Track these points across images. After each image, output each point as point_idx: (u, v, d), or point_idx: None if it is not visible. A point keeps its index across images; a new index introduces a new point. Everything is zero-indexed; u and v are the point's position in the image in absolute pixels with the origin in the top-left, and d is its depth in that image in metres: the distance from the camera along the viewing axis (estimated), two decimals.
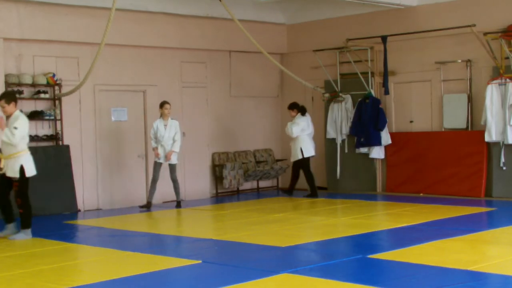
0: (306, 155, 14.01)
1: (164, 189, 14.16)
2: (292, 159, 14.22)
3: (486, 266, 7.21)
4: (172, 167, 13.00)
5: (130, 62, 13.76)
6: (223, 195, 15.07)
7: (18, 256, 8.65)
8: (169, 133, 12.85)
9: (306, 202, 13.43)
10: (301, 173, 14.30)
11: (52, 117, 12.65)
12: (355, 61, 14.61)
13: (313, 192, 14.09)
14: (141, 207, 13.03)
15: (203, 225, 11.38)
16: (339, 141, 15.00)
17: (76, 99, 12.94)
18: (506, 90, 12.69)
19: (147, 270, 7.56)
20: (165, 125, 12.87)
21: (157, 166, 12.95)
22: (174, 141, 12.88)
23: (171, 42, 14.26)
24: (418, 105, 14.23)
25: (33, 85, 12.47)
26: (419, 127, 14.24)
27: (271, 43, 15.67)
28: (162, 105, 12.94)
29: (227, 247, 8.92)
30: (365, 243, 8.99)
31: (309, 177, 14.18)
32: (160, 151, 12.88)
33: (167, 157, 12.87)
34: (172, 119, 12.96)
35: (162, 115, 12.94)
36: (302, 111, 14.13)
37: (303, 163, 14.09)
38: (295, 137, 13.98)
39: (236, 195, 15.20)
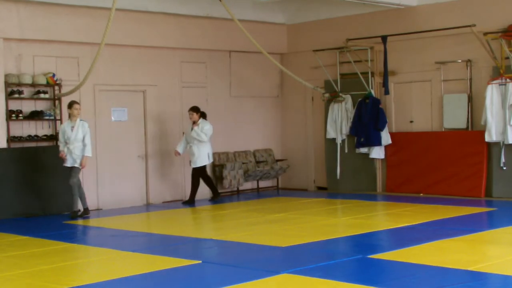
0: (210, 160, 13.85)
1: (164, 189, 14.18)
2: (198, 164, 13.61)
3: (486, 266, 7.21)
4: (74, 171, 11.99)
5: (130, 62, 13.76)
6: (223, 195, 15.05)
7: (18, 256, 8.65)
8: (75, 135, 11.88)
9: (306, 202, 13.42)
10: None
11: (52, 117, 12.64)
12: (355, 61, 14.61)
13: (216, 193, 13.96)
14: (78, 216, 12.00)
15: (203, 225, 11.38)
16: (339, 141, 15.00)
17: (76, 99, 12.91)
18: (506, 90, 12.69)
19: (147, 270, 7.57)
20: (73, 127, 11.91)
21: (68, 171, 11.98)
22: (84, 145, 11.93)
23: (171, 42, 14.26)
24: (418, 105, 14.23)
25: (33, 85, 12.46)
26: (419, 127, 14.24)
27: (271, 43, 15.67)
28: (71, 105, 11.97)
29: (227, 247, 8.92)
30: (365, 243, 8.99)
31: (209, 180, 13.92)
32: (67, 154, 11.91)
33: (82, 165, 11.95)
34: (81, 120, 12.02)
35: (70, 116, 12.01)
36: (204, 115, 13.81)
37: (202, 168, 13.75)
38: (203, 142, 13.56)
39: (236, 195, 15.20)
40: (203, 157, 13.65)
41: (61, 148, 12.01)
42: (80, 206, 12.10)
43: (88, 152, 11.98)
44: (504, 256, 7.82)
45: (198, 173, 13.77)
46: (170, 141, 14.30)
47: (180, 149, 13.69)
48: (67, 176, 11.98)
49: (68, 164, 11.97)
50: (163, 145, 14.21)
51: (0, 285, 7.04)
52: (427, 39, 13.86)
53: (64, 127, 12.02)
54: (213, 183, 14.01)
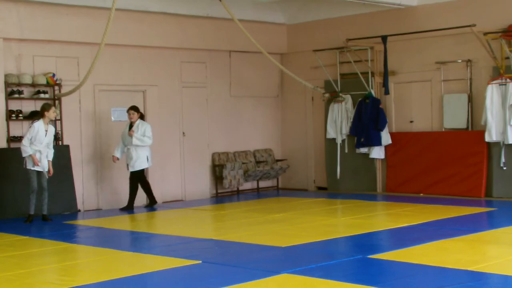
0: (150, 164, 13.18)
1: (164, 189, 14.17)
2: (137, 168, 12.93)
3: (486, 266, 7.21)
4: (45, 175, 11.66)
5: (130, 62, 13.76)
6: (223, 195, 15.06)
7: (18, 256, 8.64)
8: (48, 139, 11.54)
9: (306, 202, 13.42)
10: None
11: None
12: (355, 61, 14.61)
13: (153, 200, 13.32)
14: (24, 221, 11.50)
15: (203, 225, 11.37)
16: (339, 141, 15.00)
17: (76, 99, 12.94)
18: (506, 90, 12.68)
19: (147, 270, 7.56)
20: (46, 130, 11.52)
21: (33, 174, 11.52)
22: (50, 149, 11.60)
23: (171, 42, 14.26)
24: (418, 105, 14.23)
25: (33, 85, 12.47)
26: (419, 127, 14.24)
27: (271, 43, 15.67)
28: (48, 108, 11.55)
29: (227, 247, 8.92)
30: (365, 243, 8.98)
31: (148, 186, 13.22)
32: (38, 157, 11.48)
33: (50, 171, 11.60)
34: (49, 124, 11.64)
35: (44, 118, 11.51)
36: (142, 116, 13.25)
37: (141, 172, 13.09)
38: (144, 145, 12.91)
39: (236, 195, 15.20)
40: (142, 160, 12.95)
41: (30, 151, 11.33)
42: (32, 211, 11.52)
43: (50, 156, 11.63)
44: (504, 256, 7.82)
45: (137, 177, 13.05)
46: (171, 141, 14.30)
47: (118, 153, 12.98)
48: (27, 180, 11.47)
49: (41, 168, 11.52)
50: (163, 145, 14.21)
51: (0, 285, 7.04)
52: (427, 39, 13.86)
53: (38, 128, 11.41)
54: (151, 189, 13.26)
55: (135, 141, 12.81)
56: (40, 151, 11.45)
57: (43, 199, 11.63)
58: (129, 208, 13.02)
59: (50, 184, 11.92)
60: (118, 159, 13.07)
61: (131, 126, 12.98)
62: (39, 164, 11.46)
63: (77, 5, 12.77)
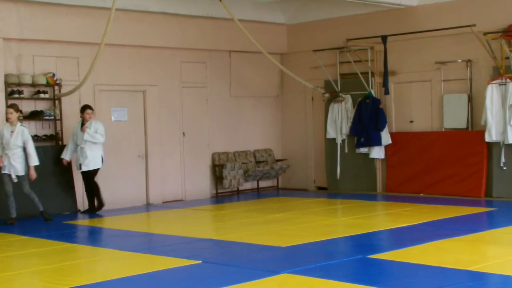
0: (103, 165, 12.61)
1: (164, 189, 14.17)
2: (91, 167, 12.41)
3: (486, 266, 7.21)
4: (20, 179, 11.47)
5: (130, 62, 13.76)
6: (223, 195, 15.06)
7: (18, 256, 8.65)
8: (14, 141, 11.32)
9: (306, 202, 13.43)
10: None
11: (52, 117, 12.64)
12: (355, 61, 14.61)
13: (92, 207, 12.61)
14: (5, 223, 11.33)
15: (203, 225, 11.38)
16: (339, 141, 15.00)
17: (76, 99, 12.94)
18: (506, 90, 12.68)
19: (147, 270, 7.56)
20: (12, 132, 11.35)
21: (5, 178, 11.40)
22: (28, 154, 11.38)
23: (171, 42, 14.26)
24: (418, 105, 14.23)
25: (33, 85, 12.46)
26: (419, 127, 14.24)
27: (271, 43, 15.67)
28: (9, 108, 11.47)
29: (227, 247, 8.92)
30: (365, 243, 8.99)
31: (97, 188, 12.63)
32: (5, 160, 11.39)
33: (30, 175, 11.44)
34: (21, 125, 11.49)
35: (7, 120, 11.45)
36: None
37: (94, 173, 12.54)
38: (97, 143, 12.41)
39: (236, 195, 15.20)
40: (97, 160, 12.43)
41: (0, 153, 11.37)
42: (13, 215, 11.39)
43: (35, 161, 11.43)
44: (504, 256, 7.82)
45: (91, 177, 12.52)
46: (171, 141, 14.31)
47: (67, 156, 12.41)
48: (6, 182, 11.34)
49: (6, 170, 11.37)
50: (163, 145, 14.21)
51: (0, 285, 7.04)
52: (427, 39, 13.85)
53: (3, 131, 11.41)
54: (100, 193, 12.59)
55: (86, 136, 12.24)
56: (6, 154, 11.35)
57: (32, 200, 11.55)
58: (91, 210, 12.56)
59: (50, 184, 11.93)
60: (68, 161, 12.50)
61: (83, 124, 12.43)
62: (3, 166, 11.37)
63: (77, 5, 12.76)
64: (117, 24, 12.38)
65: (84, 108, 12.53)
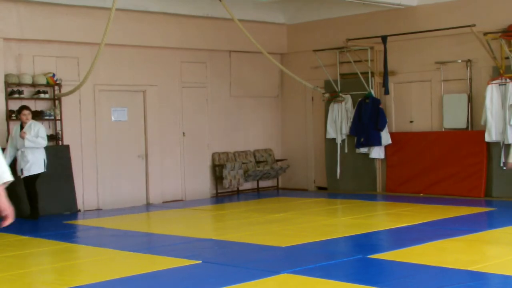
0: (45, 169, 11.88)
1: (164, 189, 14.17)
2: (33, 172, 11.70)
3: (486, 266, 7.21)
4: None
5: (130, 62, 13.76)
6: (223, 195, 15.06)
7: (18, 256, 8.65)
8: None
9: (306, 202, 13.43)
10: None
11: (52, 117, 12.64)
12: (355, 61, 14.61)
13: (35, 212, 11.81)
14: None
15: (203, 225, 11.38)
16: (339, 141, 15.00)
17: (76, 99, 12.94)
18: (506, 90, 12.69)
19: (147, 270, 7.56)
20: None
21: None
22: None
23: (171, 42, 14.26)
24: (418, 105, 14.23)
25: (33, 85, 12.47)
26: (419, 127, 14.24)
27: (271, 43, 15.67)
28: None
29: (227, 247, 8.92)
30: (365, 243, 8.99)
31: (36, 195, 11.82)
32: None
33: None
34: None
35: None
36: (35, 116, 12.21)
37: (36, 178, 11.83)
38: (38, 146, 11.76)
39: (236, 195, 15.20)
40: (39, 164, 11.75)
41: None
42: None
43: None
44: (504, 256, 7.82)
45: (32, 182, 11.78)
46: (171, 141, 14.31)
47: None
48: None
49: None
50: (163, 145, 14.21)
51: (0, 285, 7.04)
52: (427, 39, 13.85)
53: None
54: (37, 203, 11.81)
55: (27, 143, 11.58)
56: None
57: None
58: (34, 216, 11.77)
59: (50, 184, 11.92)
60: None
61: (21, 127, 11.80)
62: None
63: (77, 5, 12.77)
64: (117, 24, 12.37)
65: (21, 109, 11.87)
